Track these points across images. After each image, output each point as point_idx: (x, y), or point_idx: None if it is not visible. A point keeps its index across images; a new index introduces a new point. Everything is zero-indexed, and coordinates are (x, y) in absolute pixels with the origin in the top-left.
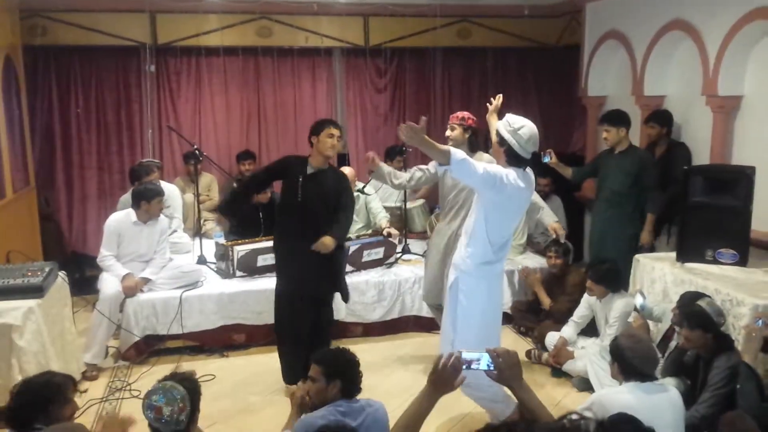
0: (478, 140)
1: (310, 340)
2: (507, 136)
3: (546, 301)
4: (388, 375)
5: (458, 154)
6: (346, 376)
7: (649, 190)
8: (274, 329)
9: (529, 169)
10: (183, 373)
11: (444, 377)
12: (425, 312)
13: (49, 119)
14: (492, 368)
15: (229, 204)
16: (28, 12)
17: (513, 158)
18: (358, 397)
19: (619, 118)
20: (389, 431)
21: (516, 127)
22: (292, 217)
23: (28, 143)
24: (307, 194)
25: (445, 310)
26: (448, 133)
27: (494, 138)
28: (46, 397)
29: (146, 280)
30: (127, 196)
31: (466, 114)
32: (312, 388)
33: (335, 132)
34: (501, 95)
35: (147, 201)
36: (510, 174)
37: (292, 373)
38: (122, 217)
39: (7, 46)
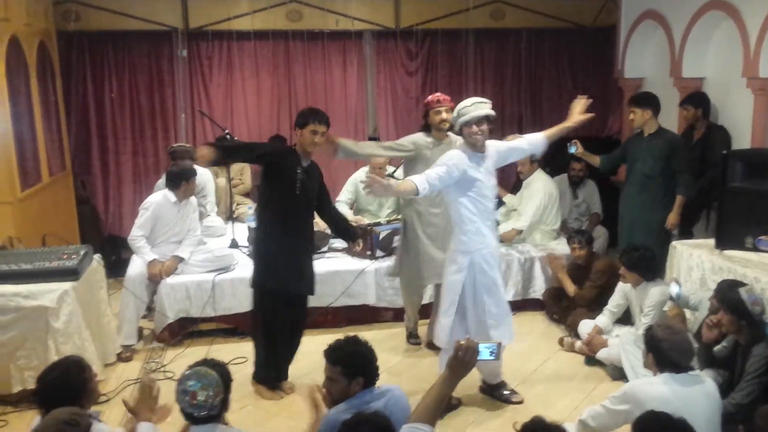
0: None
1: (290, 337)
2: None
3: (570, 288)
4: (421, 358)
5: (419, 183)
6: (367, 370)
7: (679, 173)
8: (256, 324)
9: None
10: (212, 359)
11: (463, 363)
12: None
13: (84, 104)
14: (494, 358)
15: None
16: None
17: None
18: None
19: (644, 100)
20: (410, 412)
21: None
22: (291, 210)
23: (63, 128)
24: (304, 187)
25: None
26: (445, 116)
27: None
28: (69, 387)
29: (180, 259)
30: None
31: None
32: (332, 387)
33: (319, 129)
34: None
35: (186, 180)
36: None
37: (264, 371)
38: (161, 199)
39: (42, 32)
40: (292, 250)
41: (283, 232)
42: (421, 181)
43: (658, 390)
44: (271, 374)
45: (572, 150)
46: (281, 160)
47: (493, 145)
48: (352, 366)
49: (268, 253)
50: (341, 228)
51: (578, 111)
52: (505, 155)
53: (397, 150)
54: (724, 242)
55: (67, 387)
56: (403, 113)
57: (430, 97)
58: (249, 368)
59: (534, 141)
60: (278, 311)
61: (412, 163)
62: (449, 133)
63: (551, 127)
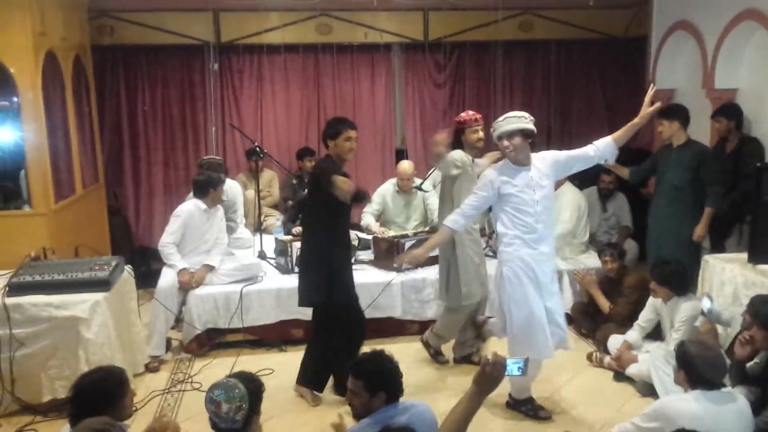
0: None
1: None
2: (532, 126)
3: (605, 305)
4: (448, 372)
5: (452, 224)
6: (390, 386)
7: (708, 185)
8: (317, 337)
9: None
10: (250, 373)
11: (491, 378)
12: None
13: (117, 117)
14: (521, 374)
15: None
16: (97, 12)
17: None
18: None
19: (671, 112)
20: (437, 430)
21: (522, 115)
22: (343, 222)
23: (97, 140)
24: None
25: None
26: (482, 134)
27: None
28: (108, 392)
29: (210, 268)
30: None
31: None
32: (354, 400)
33: (353, 134)
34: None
35: (214, 188)
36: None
37: (316, 377)
38: (192, 207)
39: (77, 46)
40: (348, 260)
41: (340, 244)
42: (453, 220)
43: (690, 407)
44: (323, 381)
45: (601, 161)
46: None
47: (545, 157)
48: (375, 381)
49: (333, 267)
50: None
51: (646, 104)
52: (566, 165)
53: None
54: (757, 256)
55: (102, 394)
56: (431, 125)
57: (465, 116)
58: (275, 380)
59: (602, 146)
60: (343, 323)
61: (460, 180)
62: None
63: (580, 140)
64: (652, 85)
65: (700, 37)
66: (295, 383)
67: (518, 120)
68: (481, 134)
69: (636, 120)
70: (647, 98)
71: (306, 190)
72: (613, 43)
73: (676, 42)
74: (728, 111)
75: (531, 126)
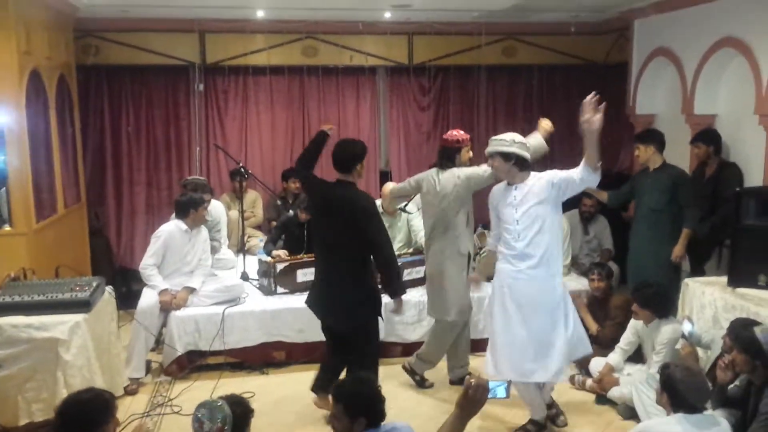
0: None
1: None
2: (514, 150)
3: (593, 327)
4: (431, 394)
5: (494, 247)
6: (370, 411)
7: (686, 207)
8: (373, 355)
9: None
10: (241, 397)
11: (473, 401)
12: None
13: (101, 136)
14: (505, 396)
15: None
16: (82, 32)
17: (525, 166)
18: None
19: (647, 136)
20: None
21: (520, 140)
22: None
23: (80, 160)
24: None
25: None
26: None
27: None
28: (92, 415)
29: (191, 290)
30: None
31: (463, 137)
32: (335, 424)
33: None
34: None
35: (195, 208)
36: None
37: None
38: (173, 228)
39: (62, 65)
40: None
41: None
42: (492, 244)
43: (672, 430)
44: None
45: None
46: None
47: (541, 177)
48: (355, 406)
49: (375, 286)
50: None
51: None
52: (560, 186)
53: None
54: (736, 280)
55: (88, 416)
56: (415, 148)
57: (460, 136)
58: (256, 403)
59: (585, 174)
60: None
61: (468, 198)
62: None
63: (562, 164)
64: (594, 93)
65: (680, 63)
66: None
67: (498, 143)
68: (471, 153)
69: (587, 139)
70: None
71: (291, 211)
72: (594, 68)
73: (656, 68)
74: (707, 136)
75: (511, 149)
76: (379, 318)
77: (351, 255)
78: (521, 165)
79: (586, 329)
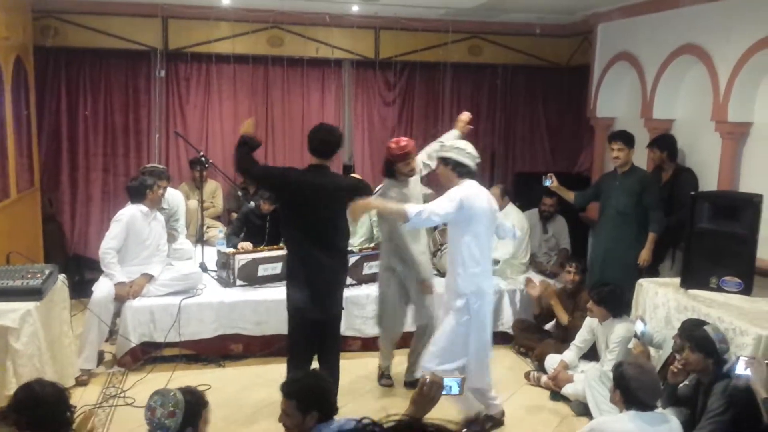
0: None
1: None
2: (448, 154)
3: (564, 317)
4: (388, 389)
5: (412, 209)
6: (322, 405)
7: (651, 210)
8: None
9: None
10: (195, 389)
11: (427, 399)
12: None
13: (57, 120)
14: (459, 393)
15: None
16: (41, 13)
17: (465, 172)
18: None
19: (632, 139)
20: None
21: (451, 144)
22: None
23: (34, 144)
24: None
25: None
26: (413, 165)
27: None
28: (52, 408)
29: (149, 277)
30: None
31: (403, 143)
32: (287, 420)
33: None
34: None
35: (150, 189)
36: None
37: None
38: (134, 211)
39: (19, 47)
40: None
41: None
42: (414, 208)
43: (625, 427)
44: None
45: (547, 183)
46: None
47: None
48: (307, 400)
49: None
50: None
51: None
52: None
53: None
54: (689, 281)
55: (47, 413)
56: (380, 142)
57: (396, 149)
58: (212, 396)
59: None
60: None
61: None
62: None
63: (523, 161)
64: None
65: (641, 68)
66: None
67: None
68: (413, 165)
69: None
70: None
71: (253, 202)
72: (558, 70)
73: (618, 72)
74: (661, 142)
75: (444, 154)
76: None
77: (338, 238)
78: (458, 170)
79: (544, 320)
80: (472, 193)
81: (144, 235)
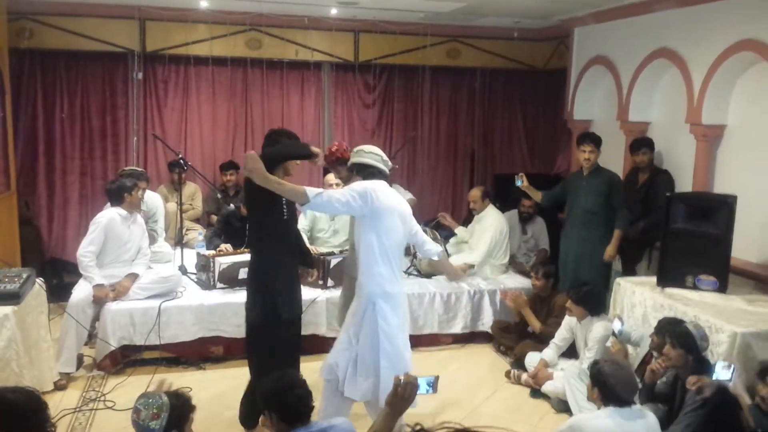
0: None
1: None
2: (356, 159)
3: (536, 325)
4: None
5: (312, 190)
6: (275, 406)
7: (618, 208)
8: (264, 361)
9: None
10: (182, 392)
11: (402, 399)
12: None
13: (33, 123)
14: (433, 391)
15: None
16: (16, 15)
17: (369, 173)
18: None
19: (600, 141)
20: None
21: (356, 149)
22: (287, 236)
23: (10, 146)
24: (290, 211)
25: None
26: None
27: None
28: (28, 414)
29: (135, 276)
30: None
31: (333, 148)
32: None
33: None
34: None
35: (129, 192)
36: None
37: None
38: (113, 214)
39: None
40: (295, 276)
41: (289, 256)
42: (315, 190)
43: (603, 423)
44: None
45: (518, 183)
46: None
47: None
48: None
49: (280, 280)
50: (301, 252)
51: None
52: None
53: None
54: (665, 280)
55: (23, 422)
56: (359, 144)
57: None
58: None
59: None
60: (292, 340)
61: None
62: None
63: (502, 163)
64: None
65: (617, 71)
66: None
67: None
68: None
69: None
70: None
71: (233, 205)
72: (535, 73)
73: (594, 75)
74: (650, 144)
75: (355, 159)
76: None
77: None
78: (362, 173)
79: (527, 326)
80: (380, 188)
81: (124, 238)
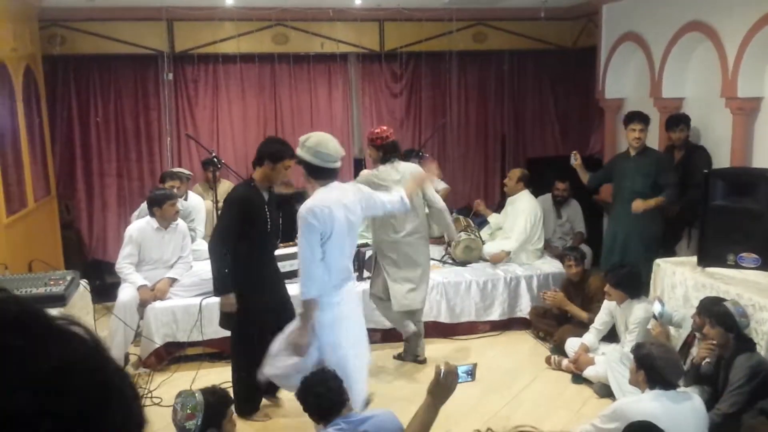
0: (388, 154)
1: None
2: (300, 154)
3: (583, 315)
4: (409, 378)
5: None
6: (302, 405)
7: (666, 187)
8: (254, 354)
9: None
10: (219, 387)
11: (444, 388)
12: (443, 317)
13: (69, 128)
14: (471, 379)
15: None
16: (47, 22)
17: (315, 172)
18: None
19: (649, 119)
20: None
21: (302, 140)
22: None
23: (48, 152)
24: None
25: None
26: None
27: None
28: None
29: (172, 280)
30: (142, 206)
31: (374, 134)
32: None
33: (290, 164)
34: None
35: (158, 206)
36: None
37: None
38: (143, 225)
39: (27, 57)
40: (277, 278)
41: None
42: None
43: (648, 407)
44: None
45: (572, 161)
46: (251, 206)
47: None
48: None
49: (264, 280)
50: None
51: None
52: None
53: None
54: (706, 260)
55: None
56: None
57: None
58: None
59: (396, 201)
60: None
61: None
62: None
63: (534, 146)
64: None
65: (648, 47)
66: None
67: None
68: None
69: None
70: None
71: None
72: (564, 53)
73: (625, 52)
74: (687, 121)
75: (299, 153)
76: None
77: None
78: (313, 174)
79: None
80: (327, 204)
81: (157, 248)
